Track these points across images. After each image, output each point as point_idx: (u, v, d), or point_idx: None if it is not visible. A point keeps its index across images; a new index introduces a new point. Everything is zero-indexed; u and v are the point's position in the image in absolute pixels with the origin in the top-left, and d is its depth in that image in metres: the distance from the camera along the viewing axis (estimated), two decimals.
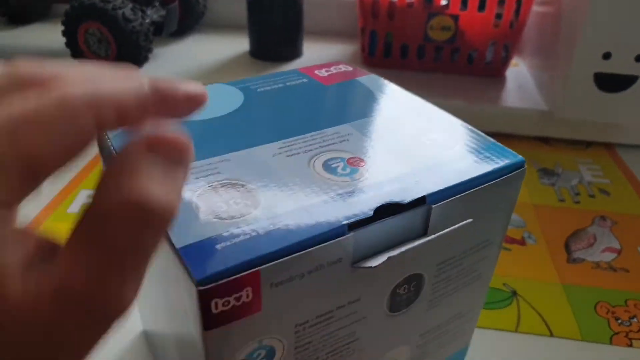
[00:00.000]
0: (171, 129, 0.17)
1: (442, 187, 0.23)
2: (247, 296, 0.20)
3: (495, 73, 0.77)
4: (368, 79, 0.34)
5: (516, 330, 0.42)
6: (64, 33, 0.74)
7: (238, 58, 0.82)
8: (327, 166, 0.25)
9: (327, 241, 0.21)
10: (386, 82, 0.34)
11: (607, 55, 0.59)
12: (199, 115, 0.28)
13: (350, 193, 0.23)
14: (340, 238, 0.21)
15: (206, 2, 0.92)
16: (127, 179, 0.15)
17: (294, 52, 0.81)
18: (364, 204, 0.22)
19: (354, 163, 0.25)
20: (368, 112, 0.30)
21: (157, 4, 0.78)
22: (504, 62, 0.76)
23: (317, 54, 0.84)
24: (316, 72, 0.35)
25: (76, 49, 0.75)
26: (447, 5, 0.71)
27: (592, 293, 0.46)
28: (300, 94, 0.32)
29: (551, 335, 0.42)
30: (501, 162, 0.26)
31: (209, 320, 0.19)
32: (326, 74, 0.35)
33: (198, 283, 0.19)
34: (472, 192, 0.24)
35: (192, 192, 0.23)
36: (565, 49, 0.63)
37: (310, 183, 0.24)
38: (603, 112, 0.64)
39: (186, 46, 0.87)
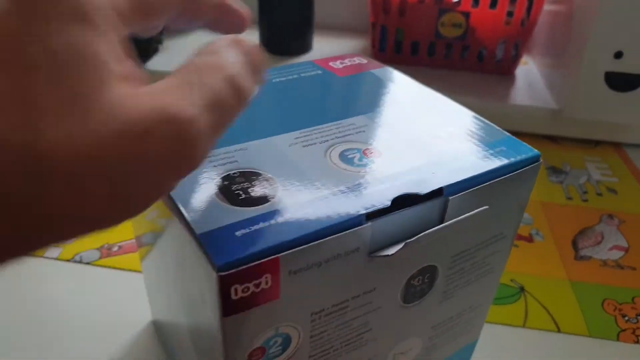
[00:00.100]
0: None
1: (459, 179, 0.24)
2: (266, 283, 0.20)
3: (505, 71, 0.77)
4: (382, 71, 0.34)
5: (524, 326, 0.42)
6: None
7: None
8: (344, 157, 0.25)
9: (345, 230, 0.21)
10: (401, 74, 0.34)
11: (618, 55, 0.59)
12: None
13: (367, 184, 0.23)
14: (358, 228, 0.21)
15: None
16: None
17: (304, 47, 0.81)
18: (381, 194, 0.23)
19: (371, 154, 0.25)
20: (383, 104, 0.30)
21: None
22: (514, 60, 0.76)
23: (327, 48, 0.84)
24: (331, 63, 0.35)
25: None
26: (458, 2, 0.71)
27: (599, 290, 0.46)
28: (315, 85, 0.32)
29: (558, 331, 0.42)
30: (517, 156, 0.26)
31: (229, 307, 0.20)
32: (341, 65, 0.35)
33: (219, 269, 0.19)
34: (488, 184, 0.25)
35: (210, 179, 0.23)
36: (576, 47, 0.63)
37: (327, 173, 0.24)
38: (613, 111, 0.64)
39: (197, 38, 0.87)
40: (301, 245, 0.20)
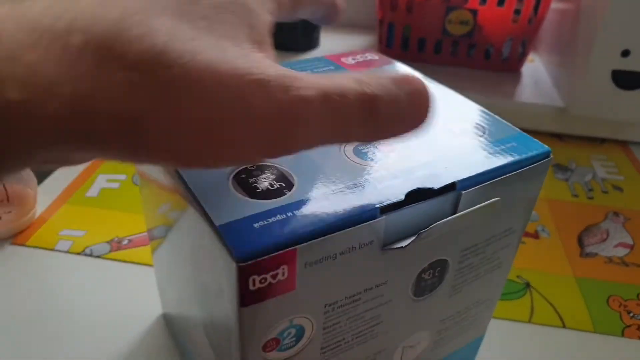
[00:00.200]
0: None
1: (471, 174, 0.24)
2: (283, 274, 0.20)
3: (511, 68, 0.77)
4: (394, 67, 0.35)
5: (529, 321, 0.43)
6: None
7: None
8: (358, 151, 0.25)
9: (360, 223, 0.21)
10: (412, 71, 0.35)
11: (625, 53, 0.59)
12: None
13: (382, 178, 0.24)
14: (373, 221, 0.22)
15: None
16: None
17: (311, 43, 0.81)
18: (395, 188, 0.23)
19: (384, 149, 0.26)
20: None
21: None
22: (521, 58, 0.76)
23: (334, 44, 0.84)
24: (343, 59, 0.35)
25: None
26: (466, 0, 0.71)
27: (604, 286, 0.47)
28: None
29: (564, 326, 0.42)
30: (528, 152, 0.26)
31: (246, 297, 0.20)
32: (353, 62, 0.35)
33: (238, 260, 0.19)
34: (500, 179, 0.25)
35: (228, 173, 0.23)
36: (583, 45, 0.63)
37: (342, 167, 0.24)
38: (619, 109, 0.64)
39: None
40: (317, 238, 0.21)
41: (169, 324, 0.39)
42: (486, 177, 0.25)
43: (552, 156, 0.27)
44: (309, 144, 0.18)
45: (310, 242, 0.20)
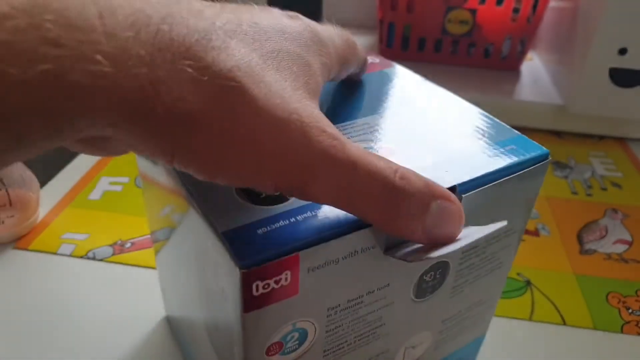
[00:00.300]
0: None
1: (471, 177, 0.24)
2: (286, 279, 0.21)
3: (510, 67, 0.77)
4: (394, 70, 0.35)
5: (530, 319, 0.43)
6: None
7: None
8: None
9: (362, 228, 0.22)
10: (412, 73, 0.35)
11: (623, 51, 0.60)
12: None
13: None
14: None
15: None
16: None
17: None
18: None
19: (385, 153, 0.26)
20: (396, 104, 0.31)
21: None
22: (520, 56, 0.76)
23: None
24: None
25: None
26: None
27: (603, 283, 0.47)
28: (328, 85, 0.33)
29: (564, 323, 0.43)
30: (527, 154, 0.26)
31: (250, 303, 0.20)
32: None
33: (241, 266, 0.19)
34: (500, 182, 0.25)
35: None
36: (581, 43, 0.64)
37: None
38: (617, 107, 0.64)
39: None
40: (320, 243, 0.21)
41: (172, 327, 0.39)
42: (487, 180, 0.25)
43: (550, 157, 0.27)
44: (320, 201, 0.20)
45: (313, 247, 0.21)
